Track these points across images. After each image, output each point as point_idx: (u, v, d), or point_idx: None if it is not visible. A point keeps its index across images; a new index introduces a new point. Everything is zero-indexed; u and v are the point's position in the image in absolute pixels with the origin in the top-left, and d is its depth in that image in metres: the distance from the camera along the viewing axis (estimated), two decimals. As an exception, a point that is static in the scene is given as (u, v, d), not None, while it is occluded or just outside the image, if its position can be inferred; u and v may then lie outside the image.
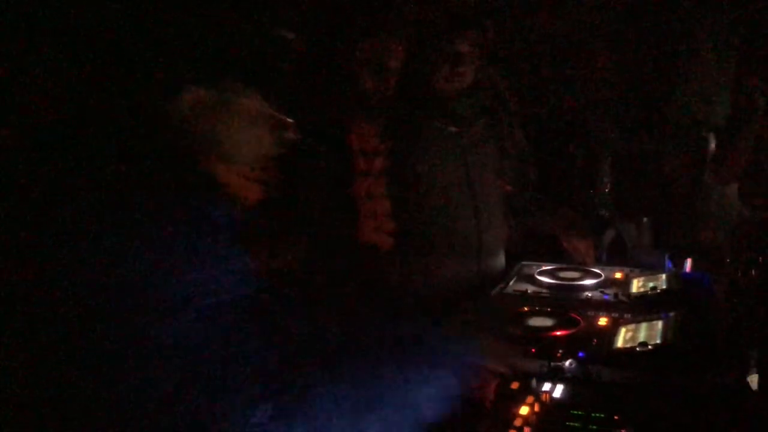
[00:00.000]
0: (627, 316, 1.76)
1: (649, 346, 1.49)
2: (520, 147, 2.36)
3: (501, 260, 2.39)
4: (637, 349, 1.49)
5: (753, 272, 2.09)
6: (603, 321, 1.73)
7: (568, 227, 2.31)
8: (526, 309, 1.83)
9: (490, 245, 2.31)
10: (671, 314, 1.66)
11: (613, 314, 1.78)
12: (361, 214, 1.79)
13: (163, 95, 0.99)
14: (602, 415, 1.27)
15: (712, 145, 2.83)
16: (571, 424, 1.26)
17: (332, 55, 1.76)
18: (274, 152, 1.11)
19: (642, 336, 1.56)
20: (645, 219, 2.50)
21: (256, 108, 1.06)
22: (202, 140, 1.02)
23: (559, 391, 1.38)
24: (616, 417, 1.26)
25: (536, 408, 1.29)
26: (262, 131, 1.08)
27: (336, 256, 1.76)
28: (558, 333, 1.62)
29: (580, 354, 1.51)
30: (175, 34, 1.00)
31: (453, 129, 2.22)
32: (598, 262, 2.37)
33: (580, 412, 1.28)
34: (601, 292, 1.99)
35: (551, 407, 1.31)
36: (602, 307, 1.86)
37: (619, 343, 1.57)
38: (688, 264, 2.44)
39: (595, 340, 1.59)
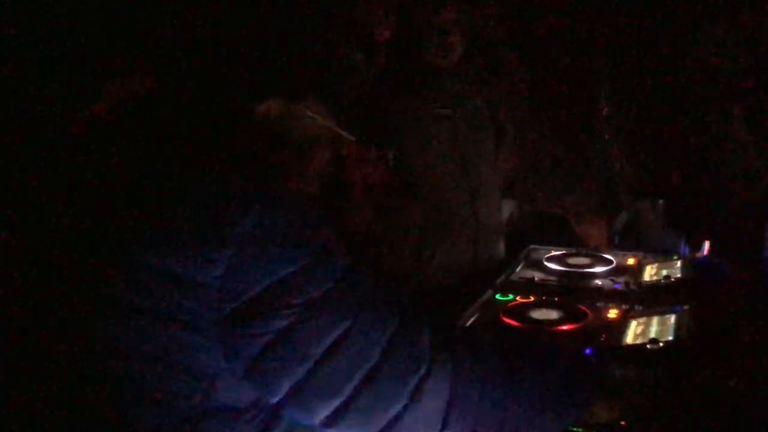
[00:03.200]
0: (638, 307, 1.67)
1: (660, 344, 1.40)
2: (523, 124, 2.26)
3: (500, 247, 2.30)
4: (648, 346, 1.40)
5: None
6: (613, 313, 1.64)
7: (578, 210, 2.21)
8: (531, 299, 1.75)
9: (488, 231, 2.22)
10: (685, 308, 1.56)
11: (623, 306, 1.68)
12: (356, 204, 1.70)
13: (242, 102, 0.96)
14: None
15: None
16: (573, 429, 1.17)
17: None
18: (325, 167, 1.06)
19: (653, 331, 1.47)
20: (660, 200, 2.39)
21: (323, 125, 1.02)
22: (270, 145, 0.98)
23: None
24: (622, 423, 1.18)
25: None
26: (324, 146, 1.04)
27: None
28: (564, 327, 1.53)
29: (588, 350, 1.42)
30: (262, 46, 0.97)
31: (444, 109, 2.12)
32: (611, 247, 2.28)
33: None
34: (612, 280, 1.90)
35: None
36: (612, 296, 1.77)
37: (629, 338, 1.48)
38: (706, 247, 2.32)
39: (604, 335, 1.51)
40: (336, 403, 0.85)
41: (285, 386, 0.84)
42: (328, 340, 0.84)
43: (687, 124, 2.57)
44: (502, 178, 2.29)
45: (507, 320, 1.59)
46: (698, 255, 2.28)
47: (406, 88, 2.13)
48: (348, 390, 0.85)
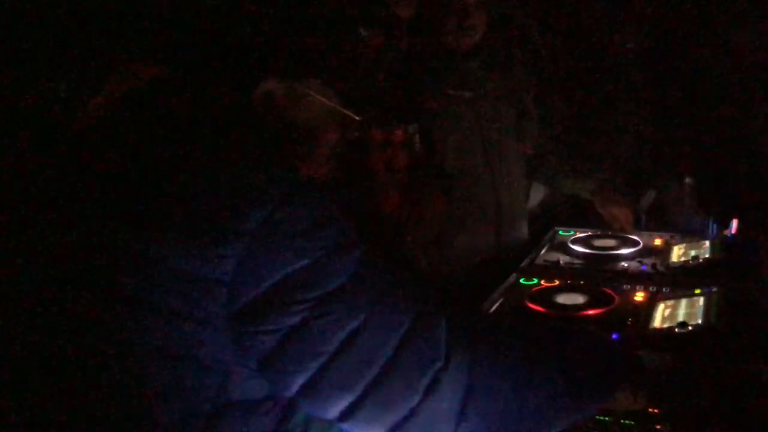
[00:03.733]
0: (666, 289, 1.64)
1: (689, 327, 1.38)
2: (545, 104, 2.21)
3: (523, 230, 2.27)
4: (676, 330, 1.38)
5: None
6: (640, 296, 1.62)
7: (602, 192, 2.17)
8: (556, 282, 1.73)
9: (510, 214, 2.19)
10: (714, 289, 1.54)
11: (650, 288, 1.66)
12: (381, 189, 1.67)
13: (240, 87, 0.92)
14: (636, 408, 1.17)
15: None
16: (601, 418, 1.16)
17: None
18: (336, 148, 1.03)
19: (681, 315, 1.45)
20: (688, 179, 2.34)
21: (328, 104, 0.98)
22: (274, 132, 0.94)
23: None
24: (652, 410, 1.16)
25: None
26: (331, 128, 1.00)
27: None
28: (590, 312, 1.51)
29: (614, 335, 1.41)
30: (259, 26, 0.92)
31: (465, 93, 2.08)
32: (637, 227, 2.24)
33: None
34: (639, 262, 1.87)
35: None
36: (639, 279, 1.74)
37: (657, 322, 1.46)
38: (734, 225, 2.27)
39: (631, 320, 1.48)
40: (350, 398, 0.84)
41: (298, 381, 0.83)
42: (342, 335, 0.82)
43: (714, 101, 2.50)
44: (525, 160, 2.25)
45: (532, 306, 1.58)
46: (727, 233, 2.23)
47: (426, 70, 2.10)
48: (362, 385, 0.83)
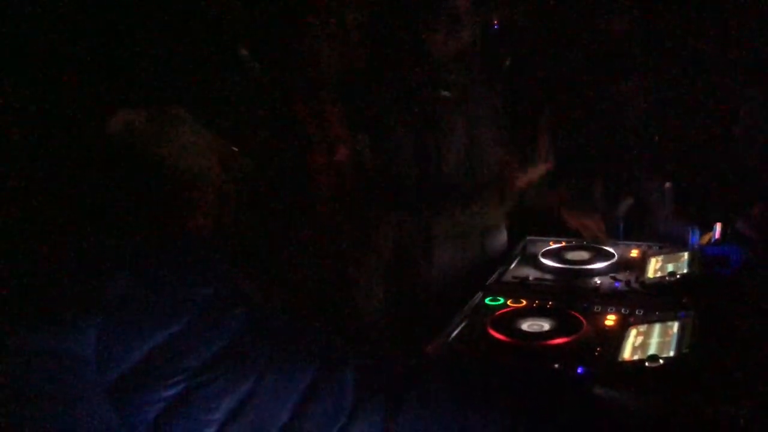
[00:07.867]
0: (639, 311, 1.52)
1: (660, 361, 1.26)
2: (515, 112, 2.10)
3: (503, 237, 2.16)
4: (646, 364, 1.26)
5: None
6: (611, 320, 1.50)
7: (569, 203, 2.05)
8: (523, 303, 1.61)
9: (492, 224, 2.08)
10: (690, 313, 1.42)
11: (622, 309, 1.54)
12: (325, 220, 1.52)
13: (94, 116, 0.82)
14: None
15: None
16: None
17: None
18: (226, 186, 0.92)
19: (653, 344, 1.33)
20: (668, 184, 2.21)
21: (204, 137, 0.88)
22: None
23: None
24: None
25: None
26: (210, 163, 0.90)
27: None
28: (556, 341, 1.39)
29: (579, 369, 1.29)
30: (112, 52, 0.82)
31: (445, 92, 1.95)
32: (615, 235, 2.12)
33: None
34: (612, 278, 1.75)
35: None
36: (611, 299, 1.62)
37: (627, 352, 1.34)
38: (717, 230, 2.15)
39: (599, 349, 1.37)
40: None
41: None
42: (230, 403, 0.74)
43: (699, 102, 2.38)
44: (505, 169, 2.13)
45: (494, 333, 1.45)
46: (709, 238, 2.12)
47: (408, 77, 1.98)
48: None
